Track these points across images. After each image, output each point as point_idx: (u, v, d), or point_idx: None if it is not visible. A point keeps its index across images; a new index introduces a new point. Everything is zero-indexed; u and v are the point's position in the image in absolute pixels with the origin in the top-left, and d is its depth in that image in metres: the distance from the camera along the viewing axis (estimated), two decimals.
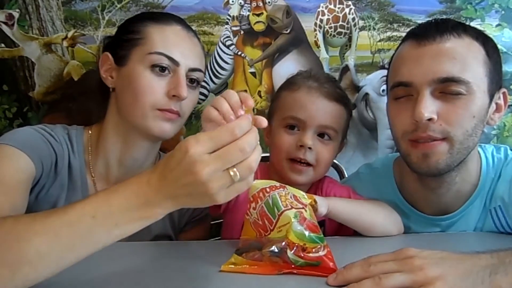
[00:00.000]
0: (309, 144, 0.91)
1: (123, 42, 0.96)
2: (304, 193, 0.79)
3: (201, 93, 1.68)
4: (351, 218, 0.90)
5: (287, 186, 0.78)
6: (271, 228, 0.73)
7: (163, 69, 0.92)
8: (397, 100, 0.90)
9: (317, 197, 0.82)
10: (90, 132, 1.01)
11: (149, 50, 0.92)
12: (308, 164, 0.92)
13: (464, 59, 0.85)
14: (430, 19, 0.94)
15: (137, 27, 0.96)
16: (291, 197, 0.75)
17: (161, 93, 0.92)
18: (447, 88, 0.84)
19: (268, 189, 0.76)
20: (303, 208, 0.74)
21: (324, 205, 0.84)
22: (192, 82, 0.97)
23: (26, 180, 0.85)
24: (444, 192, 0.94)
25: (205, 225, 1.09)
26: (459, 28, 0.89)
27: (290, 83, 0.97)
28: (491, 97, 0.89)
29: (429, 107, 0.83)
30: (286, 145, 0.92)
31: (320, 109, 0.92)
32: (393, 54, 0.96)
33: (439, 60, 0.85)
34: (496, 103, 0.91)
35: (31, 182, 0.87)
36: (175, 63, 0.93)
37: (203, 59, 1.00)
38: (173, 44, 0.94)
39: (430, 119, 0.83)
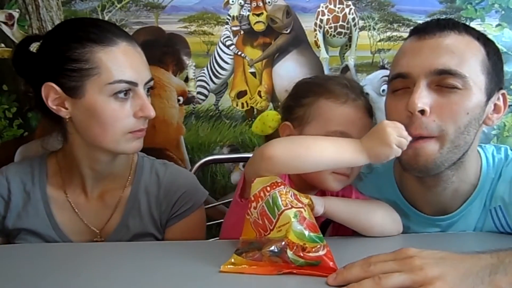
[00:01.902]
0: None
1: (68, 72, 0.92)
2: (298, 193, 0.79)
3: (201, 93, 1.69)
4: (348, 217, 0.89)
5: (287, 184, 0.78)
6: (271, 227, 0.73)
7: (124, 93, 0.93)
8: (394, 93, 0.90)
9: (313, 197, 0.82)
10: (55, 159, 1.05)
11: (107, 81, 0.92)
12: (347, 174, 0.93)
13: (462, 54, 0.85)
14: (430, 19, 0.95)
15: (83, 55, 0.92)
16: (291, 196, 0.75)
17: (129, 117, 0.94)
18: (443, 81, 0.85)
19: (268, 188, 0.76)
20: (302, 207, 0.74)
21: (320, 204, 0.84)
22: (148, 91, 0.99)
23: None
24: (440, 191, 0.94)
25: (191, 218, 1.06)
26: (460, 26, 0.89)
27: (332, 93, 0.92)
28: (489, 96, 0.88)
29: (423, 98, 0.83)
30: None
31: (365, 125, 0.92)
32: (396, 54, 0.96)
33: (437, 53, 0.85)
34: (495, 104, 0.91)
35: None
36: (134, 84, 0.94)
37: (148, 66, 1.00)
38: (127, 66, 0.94)
39: (422, 112, 0.83)
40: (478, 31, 0.91)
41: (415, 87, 0.85)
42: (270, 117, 0.99)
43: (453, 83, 0.84)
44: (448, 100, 0.84)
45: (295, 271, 0.71)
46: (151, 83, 0.99)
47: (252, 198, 0.76)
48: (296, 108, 0.95)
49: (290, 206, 0.73)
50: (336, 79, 0.98)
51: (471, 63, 0.86)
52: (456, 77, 0.84)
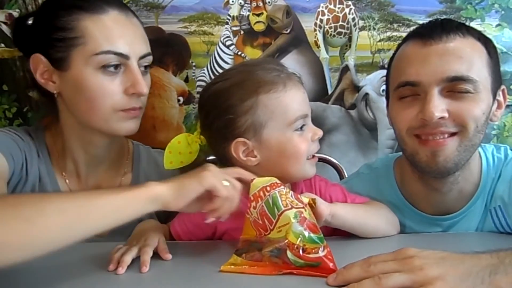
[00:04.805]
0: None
1: (55, 42, 0.85)
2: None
3: None
4: (356, 224, 0.87)
5: (288, 184, 0.78)
6: (271, 227, 0.73)
7: (114, 67, 0.86)
8: (401, 99, 0.90)
9: (320, 201, 0.80)
10: (50, 135, 0.98)
11: (93, 51, 0.84)
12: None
13: (470, 58, 0.85)
14: (431, 19, 0.95)
15: (69, 23, 0.84)
16: (291, 196, 0.75)
17: (118, 93, 0.87)
18: (456, 87, 0.85)
19: (268, 188, 0.75)
20: (303, 207, 0.74)
21: (327, 211, 0.80)
22: (145, 68, 0.92)
23: (3, 177, 0.84)
24: (446, 191, 0.94)
25: None
26: (463, 28, 0.89)
27: (268, 84, 0.84)
28: (494, 95, 0.90)
29: (438, 106, 0.84)
30: (307, 144, 0.86)
31: (306, 96, 0.89)
32: (393, 55, 0.96)
33: (446, 59, 0.85)
34: (497, 100, 0.92)
35: (7, 179, 0.86)
36: (125, 57, 0.86)
37: (147, 40, 0.92)
38: (117, 35, 0.85)
39: (441, 118, 0.83)
40: (477, 30, 0.91)
41: (427, 96, 0.85)
42: (185, 142, 0.90)
43: (465, 88, 0.84)
44: (463, 103, 0.85)
45: (295, 272, 0.70)
46: (149, 58, 0.91)
47: (252, 198, 0.76)
48: (239, 118, 0.84)
49: (290, 207, 0.73)
50: (257, 68, 0.87)
51: (479, 67, 0.86)
52: (467, 82, 0.84)
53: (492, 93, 0.88)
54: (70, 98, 0.89)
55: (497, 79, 0.90)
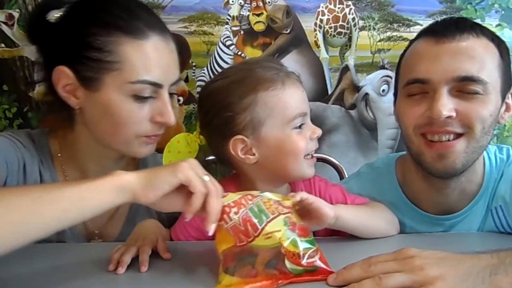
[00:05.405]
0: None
1: (86, 60, 0.81)
2: (281, 195, 0.75)
3: None
4: (357, 225, 0.87)
5: (265, 193, 0.74)
6: (255, 234, 0.68)
7: (146, 96, 0.83)
8: (410, 97, 0.89)
9: (325, 204, 0.79)
10: (57, 141, 0.94)
11: (130, 79, 0.80)
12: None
13: (482, 59, 0.85)
14: (430, 19, 0.94)
15: (107, 45, 0.80)
16: (274, 203, 0.72)
17: (145, 120, 0.85)
18: (465, 87, 0.84)
19: (250, 196, 0.72)
20: (289, 212, 0.72)
21: (332, 214, 0.80)
22: (171, 94, 0.89)
23: None
24: (449, 191, 0.94)
25: None
26: (477, 28, 0.88)
27: (267, 82, 0.84)
28: (503, 98, 0.89)
29: (447, 104, 0.83)
30: (306, 142, 0.86)
31: (305, 95, 0.89)
32: (403, 52, 0.95)
33: (458, 58, 0.84)
34: (506, 103, 0.92)
35: None
36: (159, 85, 0.83)
37: (178, 63, 0.89)
38: (155, 64, 0.82)
39: (449, 117, 0.83)
40: (491, 31, 0.90)
41: (436, 94, 0.84)
42: (184, 141, 0.90)
43: (475, 89, 0.84)
44: (471, 104, 0.84)
45: (294, 281, 0.68)
46: (178, 83, 0.89)
47: (232, 204, 0.71)
48: (238, 116, 0.84)
49: (277, 213, 0.70)
50: (257, 66, 0.87)
51: (490, 68, 0.85)
52: (477, 83, 0.84)
53: (501, 95, 0.88)
54: (93, 118, 0.86)
55: (508, 81, 0.89)
